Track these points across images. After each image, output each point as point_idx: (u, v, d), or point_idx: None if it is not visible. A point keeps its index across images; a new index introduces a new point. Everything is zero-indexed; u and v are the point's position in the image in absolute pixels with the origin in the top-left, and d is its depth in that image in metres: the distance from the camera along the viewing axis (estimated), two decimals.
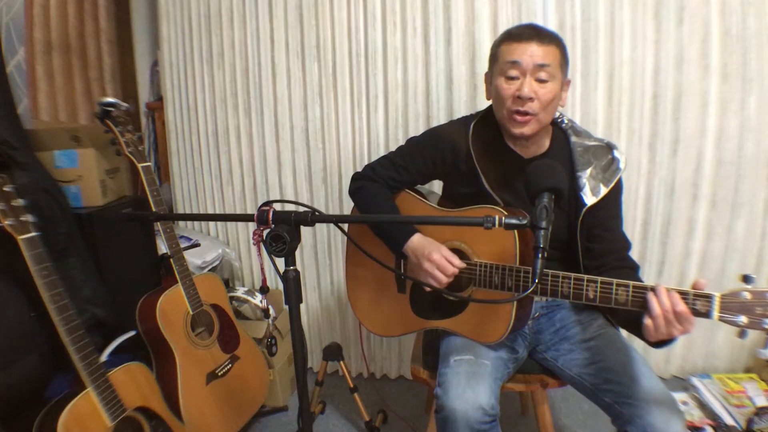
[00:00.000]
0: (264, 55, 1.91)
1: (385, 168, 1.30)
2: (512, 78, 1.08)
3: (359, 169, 1.37)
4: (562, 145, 1.19)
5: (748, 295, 0.80)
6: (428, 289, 1.14)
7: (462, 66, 1.73)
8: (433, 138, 1.29)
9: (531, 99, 1.06)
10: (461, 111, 1.74)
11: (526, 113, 1.08)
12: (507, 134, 1.19)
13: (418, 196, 1.30)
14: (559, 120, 1.23)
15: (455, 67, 1.73)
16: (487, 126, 1.22)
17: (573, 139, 1.19)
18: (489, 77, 1.18)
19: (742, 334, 0.82)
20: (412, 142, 1.33)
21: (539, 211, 0.83)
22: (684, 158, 1.69)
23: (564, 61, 1.10)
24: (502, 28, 1.66)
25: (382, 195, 1.28)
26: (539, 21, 1.65)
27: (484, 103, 1.72)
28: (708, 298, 0.83)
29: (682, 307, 0.84)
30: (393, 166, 1.30)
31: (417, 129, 1.79)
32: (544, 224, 0.81)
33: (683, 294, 0.85)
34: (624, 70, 1.65)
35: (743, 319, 0.80)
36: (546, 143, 1.20)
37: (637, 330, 0.96)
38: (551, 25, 1.65)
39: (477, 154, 1.19)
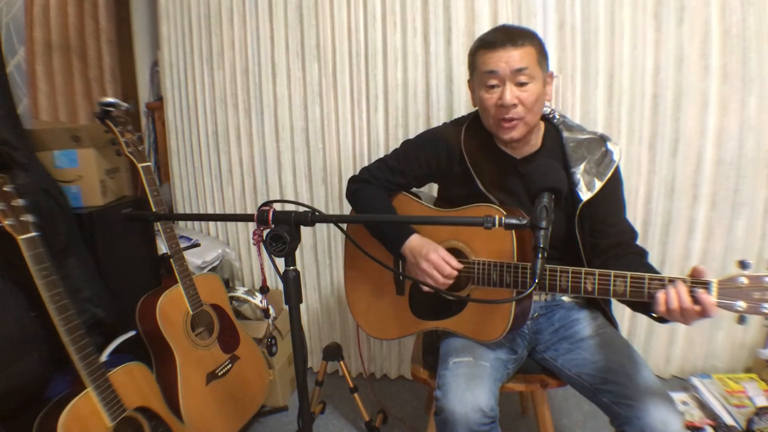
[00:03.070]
0: (264, 55, 1.91)
1: (381, 170, 1.31)
2: (492, 86, 1.09)
3: (359, 170, 1.37)
4: (555, 141, 1.19)
5: (745, 281, 0.80)
6: (426, 289, 1.14)
7: (462, 66, 1.72)
8: (427, 140, 1.29)
9: (514, 105, 1.07)
10: (461, 111, 1.74)
11: (511, 119, 1.08)
12: (497, 138, 1.19)
13: (414, 198, 1.31)
14: (551, 116, 1.23)
15: (455, 67, 1.73)
16: (480, 128, 1.22)
17: (565, 134, 1.18)
18: (472, 85, 1.19)
19: (741, 320, 0.82)
20: (407, 144, 1.33)
21: (539, 211, 0.83)
22: (684, 158, 1.69)
23: (542, 57, 1.10)
24: None
25: (378, 197, 1.28)
26: (539, 21, 1.65)
27: None
28: (706, 284, 0.83)
29: (688, 305, 0.84)
30: (388, 169, 1.30)
31: (417, 129, 1.79)
32: (544, 224, 0.81)
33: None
34: (624, 70, 1.65)
35: (741, 304, 0.80)
36: (538, 142, 1.20)
37: (645, 309, 0.97)
38: (551, 25, 1.65)
39: (470, 156, 1.19)
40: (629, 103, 1.68)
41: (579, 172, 1.13)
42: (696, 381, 1.75)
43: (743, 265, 0.81)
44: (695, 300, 0.83)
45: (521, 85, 1.07)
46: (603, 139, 1.17)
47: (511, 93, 1.06)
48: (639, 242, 1.80)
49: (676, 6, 1.59)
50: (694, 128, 1.66)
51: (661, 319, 0.95)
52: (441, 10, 1.71)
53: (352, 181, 1.36)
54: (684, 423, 1.12)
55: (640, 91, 1.67)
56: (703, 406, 1.66)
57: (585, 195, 1.12)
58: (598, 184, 1.12)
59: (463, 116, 1.29)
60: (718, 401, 1.64)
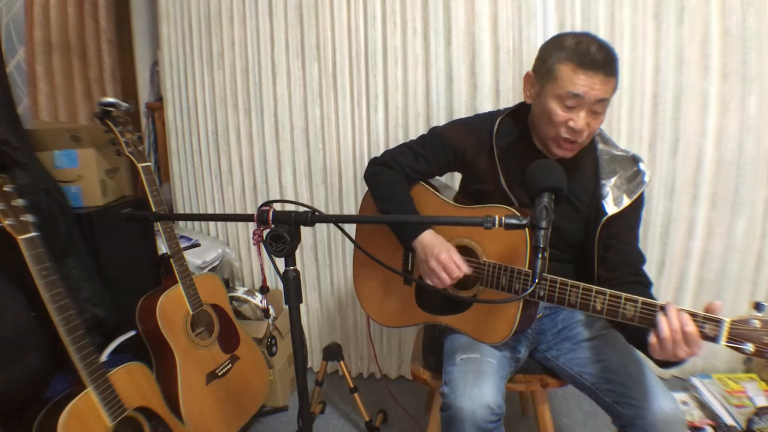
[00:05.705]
0: (264, 55, 1.91)
1: (405, 156, 1.29)
2: (569, 107, 1.04)
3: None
4: (589, 151, 1.17)
5: (757, 323, 0.79)
6: (431, 283, 1.14)
7: (462, 66, 1.72)
8: (457, 130, 1.27)
9: (582, 131, 1.05)
10: (461, 111, 1.74)
11: (573, 142, 1.07)
12: (543, 140, 1.15)
13: (432, 190, 1.30)
14: None
15: (455, 67, 1.73)
16: (516, 123, 1.20)
17: (600, 146, 1.17)
18: (534, 81, 1.11)
19: (747, 361, 0.81)
20: (435, 132, 1.31)
21: (539, 210, 0.82)
22: (684, 158, 1.69)
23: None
24: (502, 28, 1.67)
25: (398, 183, 1.27)
26: (539, 21, 1.65)
27: (483, 104, 1.73)
28: (717, 322, 0.82)
29: (691, 327, 0.82)
30: (413, 155, 1.29)
31: (417, 129, 1.79)
32: (544, 224, 0.81)
33: (692, 315, 0.84)
34: (624, 70, 1.65)
35: (750, 347, 0.79)
36: None
37: (644, 347, 0.96)
38: (551, 26, 1.65)
39: (499, 151, 1.17)
40: (629, 103, 1.68)
41: (609, 185, 1.12)
42: (696, 381, 1.75)
43: (758, 307, 0.80)
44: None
45: (595, 113, 1.04)
46: (635, 159, 1.15)
47: (584, 120, 1.03)
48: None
49: (676, 6, 1.59)
50: (694, 128, 1.66)
51: (665, 363, 0.93)
52: (441, 10, 1.71)
53: (373, 163, 1.34)
54: (687, 423, 1.12)
55: (640, 91, 1.67)
56: (703, 406, 1.66)
57: (611, 209, 1.10)
58: (626, 201, 1.10)
59: (497, 110, 1.27)
60: (718, 401, 1.64)
